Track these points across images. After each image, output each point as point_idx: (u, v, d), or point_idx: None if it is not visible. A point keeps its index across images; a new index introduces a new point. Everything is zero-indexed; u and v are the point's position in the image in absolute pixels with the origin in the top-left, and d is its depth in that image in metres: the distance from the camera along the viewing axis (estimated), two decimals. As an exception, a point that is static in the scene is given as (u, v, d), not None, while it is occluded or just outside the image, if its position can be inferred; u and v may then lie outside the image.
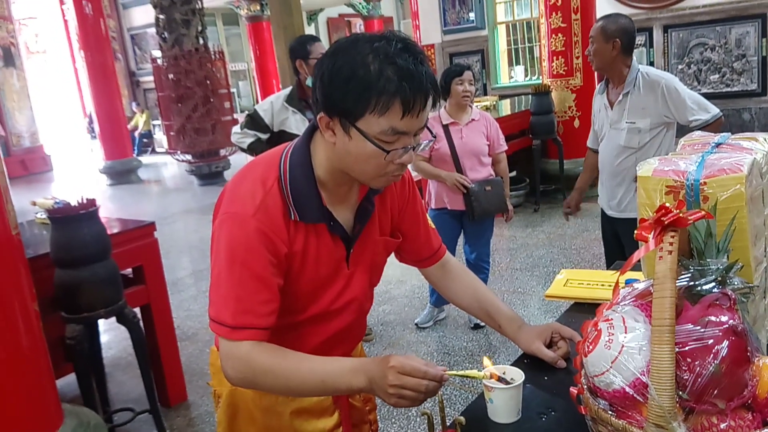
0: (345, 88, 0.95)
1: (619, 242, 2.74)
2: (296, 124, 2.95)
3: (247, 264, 1.01)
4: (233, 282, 1.01)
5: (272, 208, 1.03)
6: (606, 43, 2.52)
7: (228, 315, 1.01)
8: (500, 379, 1.04)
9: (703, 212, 0.84)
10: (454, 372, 1.00)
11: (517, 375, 1.05)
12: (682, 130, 2.58)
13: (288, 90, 3.04)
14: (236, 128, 3.09)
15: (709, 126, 2.46)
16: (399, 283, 4.18)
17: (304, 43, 2.96)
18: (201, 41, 8.54)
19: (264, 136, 3.01)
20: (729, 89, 7.30)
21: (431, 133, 1.06)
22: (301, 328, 1.15)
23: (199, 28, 8.54)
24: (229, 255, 1.02)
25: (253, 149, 3.02)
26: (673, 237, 0.81)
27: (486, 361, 1.09)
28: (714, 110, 2.51)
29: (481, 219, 3.23)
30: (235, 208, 1.03)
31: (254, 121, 3.00)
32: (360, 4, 13.67)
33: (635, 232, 0.88)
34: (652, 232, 0.83)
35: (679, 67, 7.52)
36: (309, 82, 2.93)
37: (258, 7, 11.39)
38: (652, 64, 7.58)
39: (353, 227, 1.14)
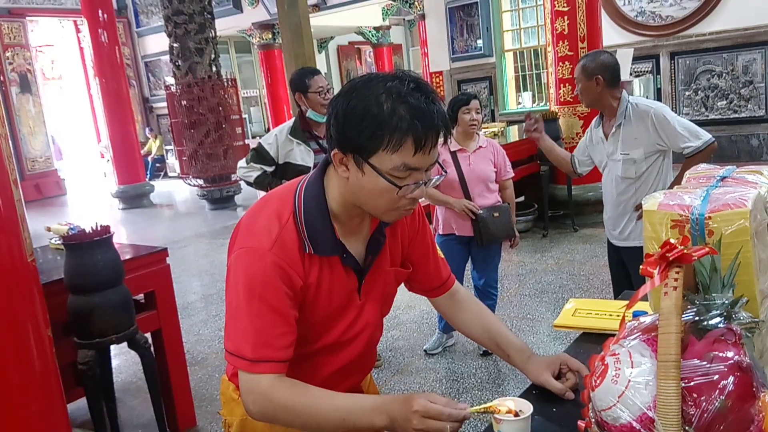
0: (359, 125, 0.98)
1: (625, 270, 2.76)
2: (301, 155, 3.00)
3: (264, 298, 1.03)
4: (251, 316, 1.04)
5: (288, 242, 1.06)
6: (589, 81, 2.57)
7: (247, 349, 1.03)
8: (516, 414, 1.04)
9: (707, 248, 0.86)
10: (475, 408, 1.00)
11: (526, 407, 1.06)
12: (680, 157, 2.61)
13: (291, 122, 3.09)
14: (242, 162, 3.12)
15: (702, 152, 2.47)
16: (408, 308, 4.18)
17: (303, 77, 3.00)
18: (214, 69, 8.69)
19: (270, 169, 3.05)
20: (737, 115, 7.33)
21: (442, 168, 1.09)
22: (314, 358, 1.17)
23: (213, 56, 8.70)
24: (247, 289, 1.04)
25: (259, 182, 3.07)
26: (678, 273, 0.82)
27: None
28: (706, 136, 2.52)
29: (489, 245, 3.24)
30: (252, 242, 1.06)
31: (260, 155, 3.04)
32: (370, 32, 13.89)
33: (640, 266, 0.90)
34: (657, 268, 0.85)
35: (687, 93, 7.56)
36: (310, 114, 2.99)
37: (270, 36, 11.62)
38: (659, 90, 7.63)
39: (365, 258, 1.16)
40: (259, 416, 1.06)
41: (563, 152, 3.05)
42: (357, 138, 0.99)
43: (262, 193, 3.29)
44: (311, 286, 1.09)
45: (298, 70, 3.16)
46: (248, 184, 3.16)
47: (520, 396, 1.13)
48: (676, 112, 8.58)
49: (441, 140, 1.03)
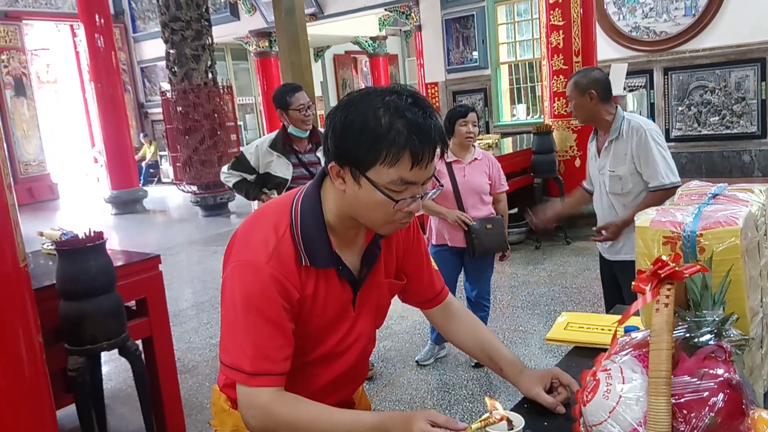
0: (357, 139, 0.99)
1: (617, 284, 2.77)
2: (280, 167, 3.15)
3: (262, 311, 1.03)
4: (249, 329, 1.04)
5: (285, 254, 1.06)
6: (583, 97, 2.60)
7: (246, 362, 1.03)
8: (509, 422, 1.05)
9: (698, 266, 0.87)
10: (475, 426, 1.00)
11: (517, 420, 1.06)
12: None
13: (273, 135, 3.23)
14: (224, 168, 3.34)
15: (665, 191, 2.46)
16: (400, 318, 4.17)
17: (284, 94, 3.12)
18: (210, 75, 8.69)
19: (250, 177, 3.25)
20: (729, 131, 7.40)
21: (438, 182, 1.10)
22: (307, 370, 1.17)
23: (209, 63, 8.71)
24: (244, 303, 1.04)
25: (238, 188, 3.29)
26: (669, 290, 0.83)
27: (488, 401, 1.10)
28: (676, 178, 2.51)
29: (481, 256, 3.25)
30: (249, 255, 1.06)
31: (240, 163, 3.25)
32: (366, 42, 13.95)
33: (632, 282, 0.91)
34: (649, 284, 0.86)
35: (680, 108, 7.63)
36: (291, 130, 3.13)
37: (267, 44, 11.65)
38: (652, 105, 7.71)
39: (360, 270, 1.17)
40: (258, 430, 1.06)
41: (573, 196, 3.14)
42: (354, 151, 1.00)
43: (256, 202, 3.45)
44: (307, 298, 1.09)
45: (280, 87, 3.29)
46: (228, 188, 3.39)
47: (511, 409, 1.13)
48: (669, 127, 8.60)
49: (438, 153, 1.04)
